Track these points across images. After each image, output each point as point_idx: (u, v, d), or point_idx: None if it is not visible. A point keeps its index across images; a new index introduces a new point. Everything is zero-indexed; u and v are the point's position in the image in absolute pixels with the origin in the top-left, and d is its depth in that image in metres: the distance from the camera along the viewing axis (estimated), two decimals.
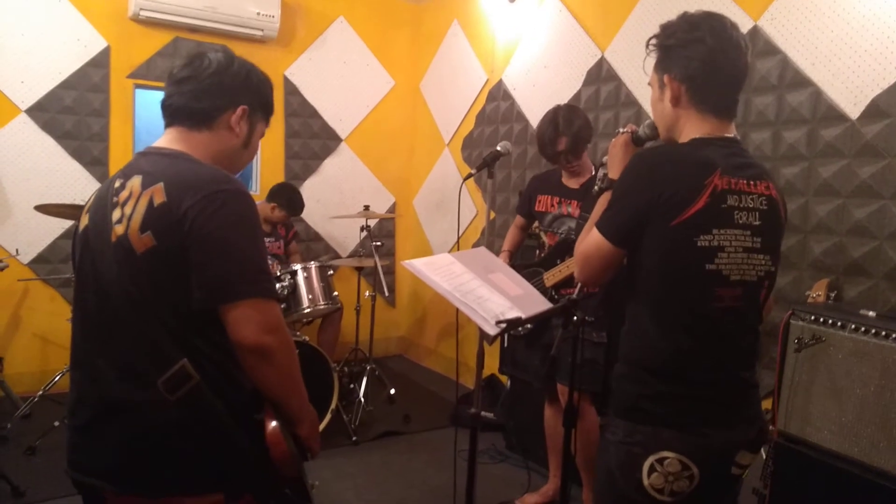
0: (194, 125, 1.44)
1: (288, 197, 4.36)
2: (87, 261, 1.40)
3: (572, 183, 2.95)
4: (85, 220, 1.44)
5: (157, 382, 1.27)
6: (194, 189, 1.30)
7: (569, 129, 2.81)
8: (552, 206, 2.99)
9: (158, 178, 1.33)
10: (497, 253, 2.84)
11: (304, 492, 1.48)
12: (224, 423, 1.32)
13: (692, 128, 1.49)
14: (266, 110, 1.54)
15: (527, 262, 3.10)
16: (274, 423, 1.37)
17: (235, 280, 1.28)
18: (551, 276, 2.87)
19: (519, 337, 3.12)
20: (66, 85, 4.24)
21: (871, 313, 2.24)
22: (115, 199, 1.37)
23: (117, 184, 1.39)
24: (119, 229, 1.32)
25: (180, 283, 1.28)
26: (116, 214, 1.34)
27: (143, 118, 4.58)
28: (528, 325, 2.87)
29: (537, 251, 3.10)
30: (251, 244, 1.33)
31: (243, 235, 1.32)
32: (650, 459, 1.41)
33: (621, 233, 1.46)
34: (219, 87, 1.43)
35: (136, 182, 1.35)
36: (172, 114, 1.46)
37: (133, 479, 1.33)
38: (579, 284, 1.79)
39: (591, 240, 1.51)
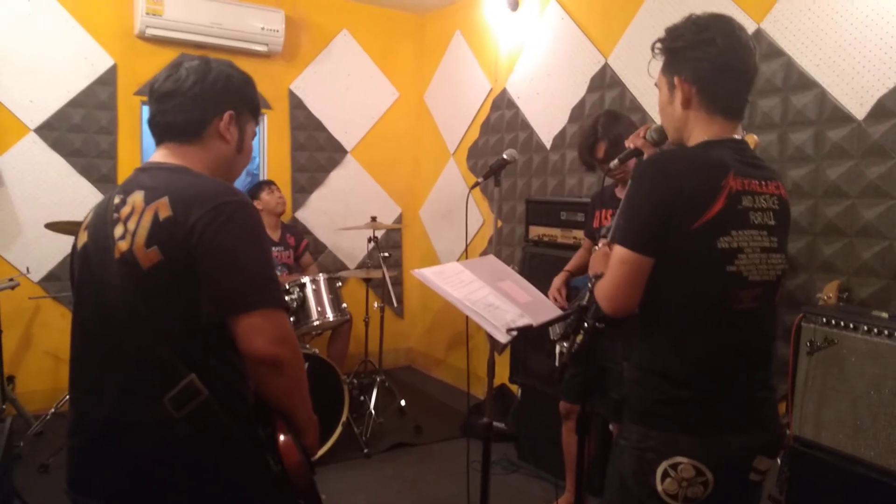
0: (185, 139, 1.43)
1: (262, 180, 4.59)
2: (88, 278, 1.37)
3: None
4: (84, 237, 1.41)
5: (164, 399, 1.25)
6: (201, 201, 1.28)
7: (607, 133, 2.65)
8: (606, 219, 2.84)
9: (162, 192, 1.31)
10: (507, 262, 2.81)
11: (317, 502, 1.47)
12: (234, 438, 1.30)
13: (701, 130, 1.48)
14: (252, 109, 1.52)
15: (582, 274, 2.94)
16: (286, 435, 1.37)
17: (246, 291, 1.27)
18: None
19: (528, 344, 3.07)
20: (75, 103, 4.28)
21: (884, 314, 2.22)
22: (115, 215, 1.34)
23: (117, 200, 1.37)
24: (123, 245, 1.30)
25: (188, 297, 1.27)
26: (119, 231, 1.31)
27: (150, 134, 4.60)
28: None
29: None
30: (260, 255, 1.33)
31: (252, 246, 1.32)
32: (664, 465, 1.40)
33: (644, 237, 1.39)
34: (201, 98, 1.42)
35: (138, 197, 1.33)
36: (161, 132, 1.45)
37: (140, 499, 1.30)
38: (589, 291, 1.76)
39: (613, 259, 1.44)
